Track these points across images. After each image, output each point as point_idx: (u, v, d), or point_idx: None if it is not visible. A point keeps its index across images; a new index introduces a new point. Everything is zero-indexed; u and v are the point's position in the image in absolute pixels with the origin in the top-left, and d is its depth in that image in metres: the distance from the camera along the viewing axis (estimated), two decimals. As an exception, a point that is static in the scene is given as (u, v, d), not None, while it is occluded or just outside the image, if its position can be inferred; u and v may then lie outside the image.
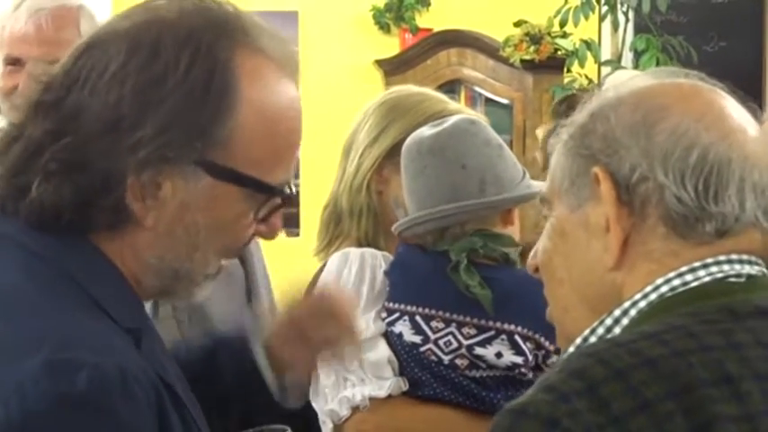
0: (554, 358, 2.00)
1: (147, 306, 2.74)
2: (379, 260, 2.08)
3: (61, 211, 1.28)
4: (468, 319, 1.97)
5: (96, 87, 1.28)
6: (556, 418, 1.04)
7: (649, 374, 1.06)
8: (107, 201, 1.28)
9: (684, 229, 1.18)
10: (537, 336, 1.97)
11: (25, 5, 2.55)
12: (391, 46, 6.16)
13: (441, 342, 1.97)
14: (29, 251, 1.28)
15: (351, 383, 1.96)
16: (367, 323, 1.99)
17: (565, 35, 5.49)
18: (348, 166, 2.21)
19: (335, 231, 2.21)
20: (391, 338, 2.00)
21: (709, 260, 1.17)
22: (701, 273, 1.17)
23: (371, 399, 1.95)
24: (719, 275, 1.17)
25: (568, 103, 2.52)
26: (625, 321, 1.18)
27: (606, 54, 5.81)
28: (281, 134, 1.34)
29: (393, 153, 2.16)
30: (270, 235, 1.39)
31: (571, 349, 1.20)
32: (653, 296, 1.17)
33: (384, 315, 2.01)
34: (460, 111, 2.20)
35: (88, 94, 1.28)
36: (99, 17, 2.60)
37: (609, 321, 1.19)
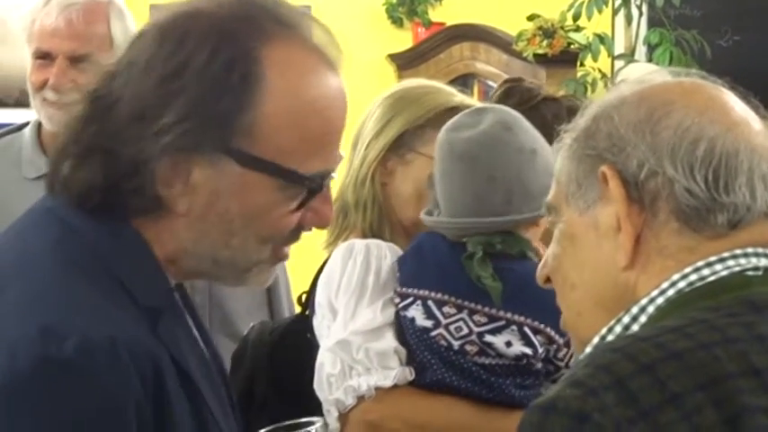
0: (564, 351, 2.00)
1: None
2: (384, 251, 2.08)
3: (91, 193, 1.33)
4: (479, 307, 1.98)
5: (130, 78, 1.33)
6: (586, 412, 1.03)
7: (677, 367, 1.05)
8: (136, 185, 1.32)
9: (697, 222, 1.17)
10: (548, 329, 1.98)
11: (55, 1, 2.56)
12: (404, 40, 6.15)
13: (451, 327, 1.98)
14: (66, 225, 1.34)
15: (356, 373, 1.97)
16: (374, 313, 2.00)
17: (578, 29, 5.48)
18: (354, 158, 2.22)
19: (343, 224, 2.22)
20: (403, 323, 2.01)
21: (726, 254, 1.17)
22: (718, 267, 1.16)
23: (377, 388, 1.96)
24: (737, 269, 1.17)
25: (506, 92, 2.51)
26: (643, 319, 1.17)
27: (619, 48, 5.80)
28: (313, 123, 1.35)
29: (397, 145, 2.17)
30: (319, 223, 1.42)
31: (589, 348, 1.19)
32: (670, 292, 1.17)
33: (397, 300, 2.02)
34: (464, 103, 2.21)
35: (123, 84, 1.33)
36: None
37: (626, 319, 1.18)
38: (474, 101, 2.30)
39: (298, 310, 2.35)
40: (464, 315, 1.98)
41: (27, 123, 2.72)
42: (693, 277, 1.17)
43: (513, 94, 2.48)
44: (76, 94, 1.42)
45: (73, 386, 1.21)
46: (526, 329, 1.97)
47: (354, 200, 2.21)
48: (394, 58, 6.06)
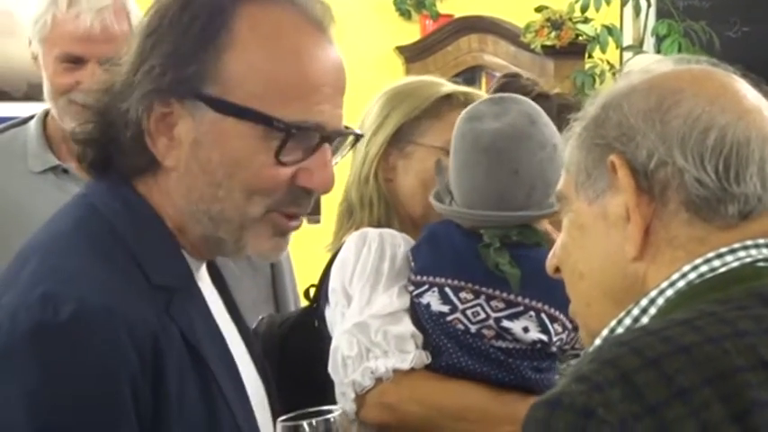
0: (573, 334, 2.02)
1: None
2: (398, 239, 2.09)
3: (95, 155, 1.43)
4: (497, 293, 1.98)
5: (130, 47, 1.43)
6: (591, 408, 1.02)
7: (684, 362, 1.04)
8: (127, 139, 1.39)
9: (707, 212, 1.16)
10: (563, 317, 1.99)
11: (84, 4, 2.53)
12: (412, 32, 6.15)
13: (468, 312, 1.99)
14: (91, 206, 1.42)
15: (374, 355, 1.98)
16: (390, 298, 2.01)
17: (586, 20, 5.47)
18: (356, 158, 2.23)
19: (348, 224, 2.23)
20: (418, 309, 2.01)
21: (737, 245, 1.15)
22: (729, 258, 1.15)
23: (395, 370, 1.97)
24: (748, 260, 1.15)
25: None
26: (653, 311, 1.16)
27: (628, 39, 5.79)
28: (284, 70, 1.39)
29: (397, 139, 2.18)
30: (315, 184, 1.43)
31: (598, 341, 1.18)
32: (681, 283, 1.15)
33: (411, 288, 2.02)
34: (458, 90, 2.21)
35: (125, 53, 1.43)
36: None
37: (636, 311, 1.17)
38: (467, 87, 2.30)
39: (304, 303, 2.35)
40: (481, 300, 1.99)
41: (32, 117, 2.71)
42: (704, 268, 1.15)
43: (509, 88, 2.49)
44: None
45: (64, 350, 1.25)
46: (543, 316, 1.98)
47: (359, 198, 2.21)
48: (402, 50, 6.06)
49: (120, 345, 1.27)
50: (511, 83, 2.56)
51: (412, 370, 1.98)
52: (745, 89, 1.23)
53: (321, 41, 1.46)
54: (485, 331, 1.98)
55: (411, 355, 1.98)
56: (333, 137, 1.45)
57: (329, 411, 1.43)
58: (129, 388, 1.27)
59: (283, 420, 1.41)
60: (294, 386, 2.08)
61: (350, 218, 2.24)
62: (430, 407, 2.00)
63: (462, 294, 1.99)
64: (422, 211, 2.17)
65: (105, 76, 1.44)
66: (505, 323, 1.98)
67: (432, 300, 2.00)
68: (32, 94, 2.67)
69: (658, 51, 5.60)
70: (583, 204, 1.24)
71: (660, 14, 5.67)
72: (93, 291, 1.29)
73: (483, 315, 1.98)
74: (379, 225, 2.18)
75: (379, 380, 1.97)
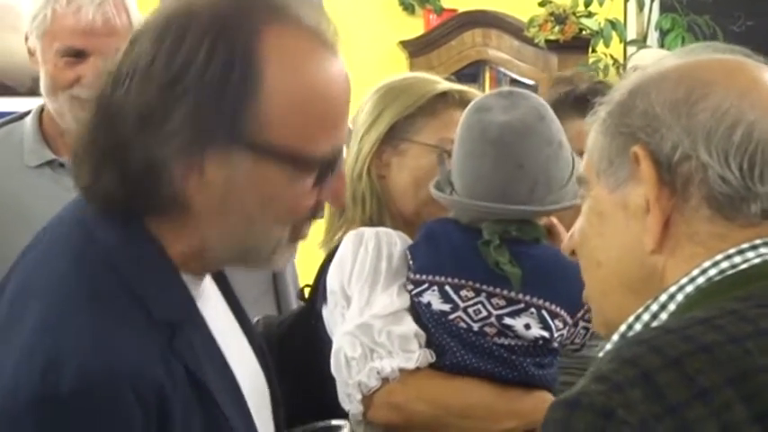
0: (574, 330, 2.02)
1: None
2: (394, 238, 2.09)
3: (112, 200, 1.35)
4: (498, 290, 1.98)
5: (131, 86, 1.34)
6: (611, 408, 1.00)
7: (705, 361, 1.02)
8: (153, 188, 1.33)
9: (730, 210, 1.14)
10: (564, 312, 1.99)
11: None
12: (416, 27, 6.14)
13: (470, 310, 1.99)
14: (89, 237, 1.36)
15: (378, 355, 1.97)
16: (390, 298, 2.00)
17: (590, 15, 5.46)
18: (349, 154, 2.23)
19: (339, 221, 2.22)
20: (419, 308, 2.01)
21: (758, 241, 1.13)
22: (750, 254, 1.13)
23: (401, 370, 1.96)
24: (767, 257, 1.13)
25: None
26: (672, 307, 1.14)
27: (632, 34, 5.78)
28: (317, 105, 1.37)
29: (390, 136, 2.17)
30: (335, 198, 1.43)
31: (615, 337, 1.17)
32: (700, 280, 1.13)
33: (410, 287, 2.02)
34: (453, 88, 2.21)
35: (125, 93, 1.34)
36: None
37: (655, 307, 1.15)
38: (462, 86, 2.29)
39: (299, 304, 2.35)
40: (482, 298, 1.99)
41: (28, 112, 2.71)
42: (725, 265, 1.13)
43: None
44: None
45: (67, 424, 1.23)
46: (544, 313, 1.98)
47: (351, 195, 2.21)
48: (405, 44, 6.06)
49: (124, 408, 1.25)
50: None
51: (417, 369, 1.98)
52: None
53: (336, 63, 1.44)
54: (487, 329, 1.98)
55: (416, 355, 1.98)
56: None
57: (338, 428, 1.42)
58: None
59: None
60: (293, 386, 2.09)
61: (341, 215, 2.24)
62: (436, 405, 2.00)
63: (463, 292, 1.99)
64: (414, 209, 2.16)
65: (98, 113, 1.38)
66: (507, 320, 1.98)
67: (432, 299, 2.00)
68: (36, 89, 2.66)
69: (662, 46, 5.59)
70: (603, 191, 1.22)
71: (664, 8, 5.66)
72: (95, 350, 1.26)
73: (485, 313, 1.98)
74: (371, 222, 2.18)
75: (385, 380, 1.97)
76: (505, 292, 1.98)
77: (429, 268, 2.02)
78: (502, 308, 1.98)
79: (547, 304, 1.98)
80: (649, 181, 1.16)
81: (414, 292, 2.02)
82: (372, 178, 2.19)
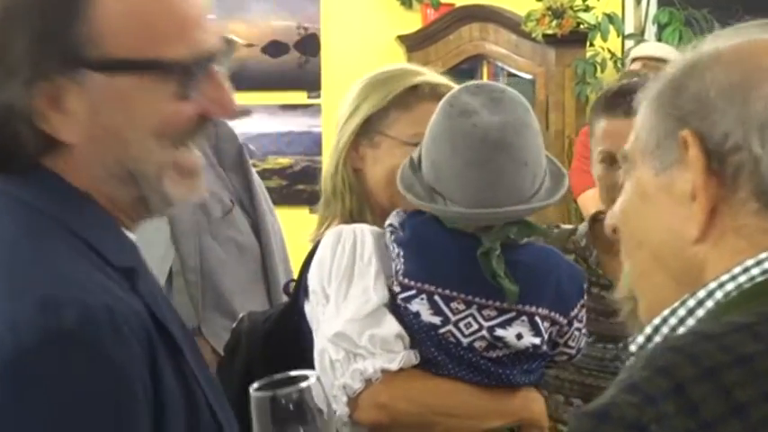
0: (566, 329, 2.00)
1: (162, 281, 2.75)
2: (369, 236, 2.06)
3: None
4: (490, 302, 1.95)
5: None
6: (643, 423, 0.95)
7: (743, 374, 0.96)
8: (22, 129, 1.32)
9: None
10: (552, 313, 1.97)
11: None
12: (413, 21, 6.14)
13: (461, 324, 1.96)
14: (25, 205, 1.33)
15: (361, 357, 1.96)
16: (367, 295, 1.98)
17: (587, 9, 5.47)
18: (332, 147, 2.23)
19: (325, 214, 2.22)
20: (405, 316, 1.99)
21: None
22: None
23: (383, 371, 1.96)
24: None
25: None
26: (710, 304, 1.08)
27: (629, 28, 5.78)
28: (153, 9, 1.35)
29: (366, 130, 2.15)
30: (221, 110, 1.40)
31: (648, 330, 1.11)
32: (742, 278, 1.07)
33: (397, 289, 1.99)
34: (426, 81, 2.19)
35: None
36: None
37: (692, 303, 1.09)
38: (439, 78, 2.27)
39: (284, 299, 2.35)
40: (473, 310, 1.96)
41: None
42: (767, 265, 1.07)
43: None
44: None
45: (80, 357, 1.20)
46: (537, 319, 1.96)
47: (332, 188, 2.20)
48: (403, 39, 6.06)
49: (127, 342, 1.23)
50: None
51: (401, 369, 1.97)
52: None
53: None
54: (477, 343, 1.96)
55: (399, 356, 1.97)
56: (216, 57, 1.41)
57: (304, 377, 1.38)
58: (141, 384, 1.24)
59: (256, 390, 1.36)
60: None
61: (327, 208, 2.24)
62: (422, 405, 1.99)
63: (453, 304, 1.96)
64: (389, 203, 2.14)
65: None
66: (498, 332, 1.95)
67: (421, 308, 1.97)
68: None
69: (659, 39, 5.60)
70: (648, 172, 1.16)
71: (661, 2, 5.67)
72: (86, 291, 1.25)
73: (476, 326, 1.96)
74: (351, 216, 2.17)
75: (368, 381, 1.96)
76: (498, 304, 1.95)
77: (419, 275, 1.97)
78: (493, 318, 1.95)
79: (540, 310, 1.96)
80: (697, 168, 1.10)
81: (401, 297, 1.99)
82: (348, 171, 2.18)
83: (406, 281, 1.97)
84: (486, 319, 1.95)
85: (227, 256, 2.84)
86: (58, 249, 1.30)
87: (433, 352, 1.97)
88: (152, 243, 2.70)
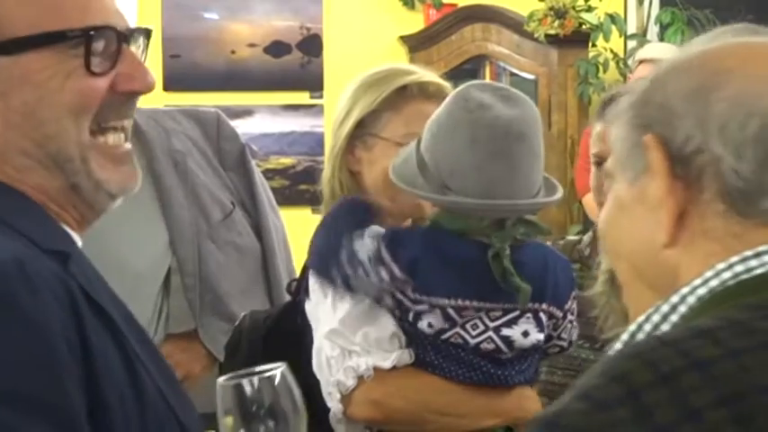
0: (561, 322, 2.01)
1: (158, 283, 2.75)
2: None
3: None
4: (498, 304, 1.96)
5: None
6: (591, 430, 0.93)
7: (699, 379, 0.94)
8: None
9: (744, 206, 1.07)
10: (551, 308, 1.99)
11: None
12: (416, 22, 6.15)
13: (468, 326, 1.97)
14: None
15: (356, 354, 1.97)
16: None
17: (589, 9, 5.47)
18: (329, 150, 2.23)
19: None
20: (412, 331, 1.99)
21: None
22: None
23: (376, 368, 1.96)
24: None
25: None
26: (683, 309, 1.08)
27: (631, 28, 5.78)
28: None
29: (360, 132, 2.16)
30: (136, 84, 1.39)
31: (625, 337, 1.11)
32: (714, 282, 1.07)
33: (408, 304, 1.98)
34: (418, 80, 2.19)
35: None
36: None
37: (665, 308, 1.09)
38: (430, 77, 2.27)
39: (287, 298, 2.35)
40: (481, 313, 1.97)
41: None
42: (740, 268, 1.06)
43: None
44: None
45: None
46: (541, 315, 1.97)
47: (330, 191, 2.21)
48: (405, 39, 6.06)
49: (41, 294, 1.19)
50: None
51: (394, 368, 1.98)
52: None
53: None
54: (483, 345, 1.97)
55: (393, 355, 1.97)
56: (128, 36, 1.40)
57: (272, 369, 1.36)
58: (63, 339, 1.20)
59: (224, 380, 1.34)
60: None
61: (326, 209, 2.24)
62: (416, 402, 2.00)
63: (465, 312, 1.97)
64: (389, 202, 2.14)
65: None
66: (505, 331, 1.96)
67: (433, 320, 1.97)
68: None
69: (662, 40, 5.60)
70: (624, 184, 1.17)
71: (664, 2, 5.66)
72: (4, 250, 1.22)
73: (482, 327, 1.97)
74: None
75: (361, 378, 1.96)
76: (506, 305, 1.96)
77: (430, 290, 1.96)
78: (498, 318, 1.96)
79: (543, 306, 1.97)
80: (660, 172, 1.11)
81: (413, 312, 1.97)
82: (345, 175, 2.19)
83: (417, 296, 1.96)
84: (493, 320, 1.95)
85: (227, 259, 2.84)
86: None
87: (430, 353, 1.98)
88: (148, 247, 2.70)
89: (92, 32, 1.33)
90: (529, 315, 1.96)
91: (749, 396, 0.94)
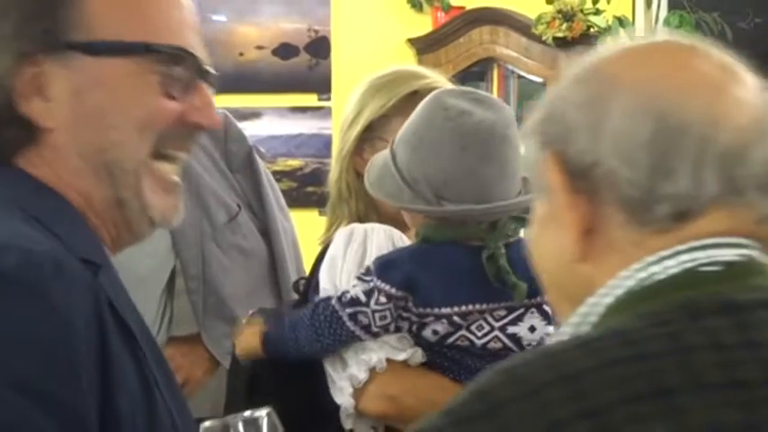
0: None
1: (161, 285, 2.76)
2: (381, 235, 2.07)
3: None
4: (501, 304, 1.97)
5: None
6: None
7: (565, 392, 0.93)
8: (2, 113, 1.31)
9: (641, 214, 1.05)
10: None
11: None
12: (424, 24, 6.14)
13: (473, 327, 1.97)
14: (8, 202, 1.31)
15: (369, 349, 1.97)
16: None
17: (597, 12, 5.46)
18: (336, 151, 2.24)
19: (332, 217, 2.23)
20: (413, 339, 1.99)
21: (682, 247, 1.04)
22: (670, 262, 1.04)
23: (389, 360, 1.96)
24: (689, 265, 1.04)
25: None
26: (593, 318, 1.06)
27: (639, 31, 5.77)
28: (147, 0, 1.36)
29: (369, 135, 2.16)
30: (204, 119, 1.39)
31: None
32: (619, 291, 1.05)
33: (414, 319, 1.98)
34: (428, 86, 2.19)
35: None
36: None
37: (576, 320, 1.08)
38: (440, 79, 2.27)
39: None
40: (485, 315, 1.98)
41: None
42: (642, 275, 1.04)
43: None
44: None
45: (20, 300, 1.17)
46: (545, 307, 1.98)
47: (337, 193, 2.22)
48: (413, 42, 6.06)
49: (72, 288, 1.19)
50: None
51: (408, 365, 1.98)
52: (707, 63, 1.10)
53: None
54: (491, 344, 1.97)
55: (407, 351, 1.98)
56: (207, 75, 1.41)
57: (258, 414, 1.36)
58: (85, 340, 1.20)
59: (210, 424, 1.35)
60: (286, 379, 2.09)
61: (334, 212, 2.25)
62: (429, 402, 2.00)
63: (469, 316, 1.97)
64: (391, 209, 2.14)
65: None
66: (511, 329, 1.97)
67: (438, 328, 1.98)
68: None
69: (670, 43, 5.59)
70: (540, 202, 1.15)
71: (672, 5, 5.65)
72: (34, 242, 1.21)
73: (487, 328, 1.97)
74: (358, 219, 2.18)
75: (372, 370, 1.97)
76: (509, 304, 1.97)
77: (434, 302, 1.97)
78: (503, 318, 1.97)
79: (545, 299, 1.98)
80: (559, 189, 1.09)
81: (418, 323, 1.98)
82: (352, 177, 2.19)
83: (421, 310, 1.97)
84: (497, 320, 1.96)
85: (231, 263, 2.84)
86: (14, 219, 1.27)
87: (435, 359, 1.98)
88: (151, 250, 2.70)
89: (178, 54, 1.35)
90: (533, 310, 1.97)
91: (615, 408, 0.92)
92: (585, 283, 1.08)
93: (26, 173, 1.34)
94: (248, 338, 2.10)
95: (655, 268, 1.04)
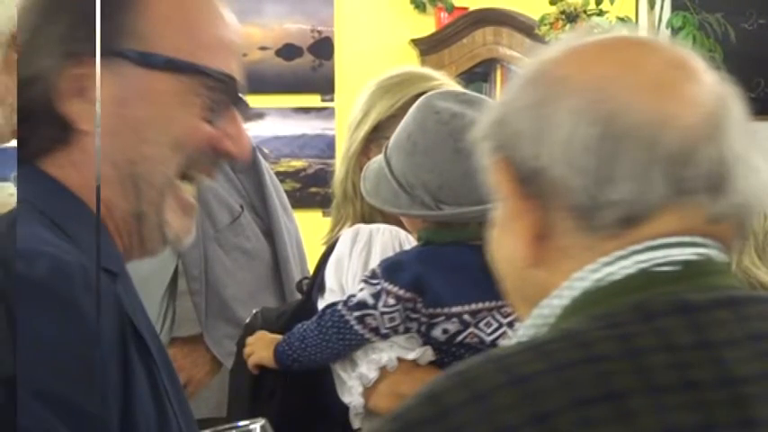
0: None
1: (163, 285, 2.75)
2: (387, 234, 2.07)
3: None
4: (507, 301, 1.97)
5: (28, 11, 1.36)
6: None
7: (515, 396, 0.92)
8: (42, 108, 1.31)
9: (589, 220, 1.03)
10: None
11: None
12: (427, 25, 6.15)
13: (481, 324, 1.97)
14: (28, 203, 1.31)
15: (379, 348, 1.98)
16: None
17: (601, 13, 5.46)
18: (342, 152, 2.24)
19: (337, 217, 2.23)
20: (423, 339, 1.99)
21: (638, 246, 1.02)
22: (626, 262, 1.02)
23: (399, 359, 1.96)
24: (645, 265, 1.02)
25: None
26: (552, 321, 1.05)
27: (643, 32, 5.77)
28: (201, 21, 1.37)
29: (376, 135, 2.16)
30: (235, 148, 1.40)
31: None
32: (575, 293, 1.03)
33: (423, 320, 1.98)
34: (445, 85, 2.19)
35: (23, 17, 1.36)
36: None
37: (530, 321, 1.07)
38: (448, 81, 2.27)
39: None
40: (494, 312, 1.98)
41: None
42: (597, 276, 1.03)
43: None
44: None
45: (48, 307, 1.17)
46: None
47: (342, 193, 2.22)
48: (417, 43, 6.06)
49: (102, 306, 1.20)
50: None
51: (419, 364, 1.98)
52: (652, 62, 1.07)
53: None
54: (500, 342, 1.97)
55: (417, 350, 1.98)
56: (242, 104, 1.42)
57: (251, 424, 1.35)
58: (113, 352, 1.21)
59: None
60: (291, 380, 2.09)
61: (338, 212, 2.25)
62: None
63: (479, 314, 1.97)
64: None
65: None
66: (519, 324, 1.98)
67: (448, 327, 1.98)
68: None
69: (674, 44, 5.58)
70: (497, 208, 1.13)
71: (675, 6, 5.65)
72: (63, 251, 1.22)
73: (495, 324, 1.97)
74: (363, 219, 2.18)
75: (383, 369, 1.97)
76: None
77: (444, 301, 1.97)
78: (510, 314, 1.97)
79: None
80: (508, 195, 1.08)
81: (424, 326, 1.98)
82: (357, 177, 2.19)
83: (431, 310, 1.97)
84: (505, 316, 1.96)
85: (234, 264, 2.84)
86: (33, 223, 1.28)
87: (443, 357, 1.98)
88: None
89: (223, 80, 1.36)
90: None
91: (565, 412, 0.90)
92: (541, 288, 1.07)
93: (48, 174, 1.34)
94: (260, 352, 2.10)
95: (610, 269, 1.02)
